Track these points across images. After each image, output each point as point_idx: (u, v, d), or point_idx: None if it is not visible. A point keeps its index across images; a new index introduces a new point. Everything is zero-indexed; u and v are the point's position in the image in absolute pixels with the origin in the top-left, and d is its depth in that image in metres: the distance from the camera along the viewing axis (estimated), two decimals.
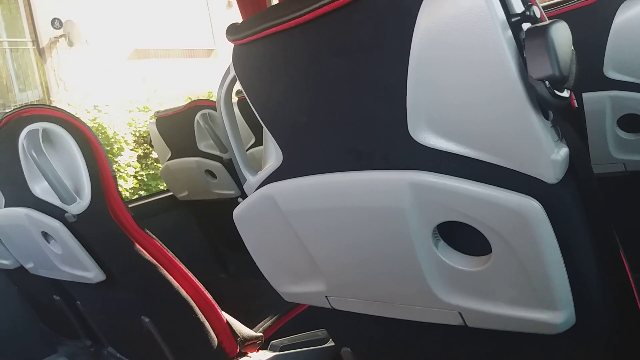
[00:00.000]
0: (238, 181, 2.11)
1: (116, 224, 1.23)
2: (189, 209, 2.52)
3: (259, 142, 2.19)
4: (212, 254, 2.60)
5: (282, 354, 1.46)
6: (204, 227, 2.57)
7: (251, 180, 0.89)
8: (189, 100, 2.84)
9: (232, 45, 0.82)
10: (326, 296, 0.88)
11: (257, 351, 1.46)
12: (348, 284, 0.84)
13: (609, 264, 0.65)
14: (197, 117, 2.14)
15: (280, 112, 0.79)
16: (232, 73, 0.83)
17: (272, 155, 0.84)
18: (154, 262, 1.27)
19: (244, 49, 0.79)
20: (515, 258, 0.63)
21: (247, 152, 2.03)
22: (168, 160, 2.35)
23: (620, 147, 1.32)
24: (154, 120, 2.36)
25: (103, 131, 4.29)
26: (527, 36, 0.56)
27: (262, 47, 0.76)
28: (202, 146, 2.21)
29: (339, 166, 0.73)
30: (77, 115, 1.24)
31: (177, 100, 5.18)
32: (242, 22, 0.80)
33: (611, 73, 1.28)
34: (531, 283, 0.64)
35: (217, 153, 2.16)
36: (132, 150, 4.33)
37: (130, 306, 1.35)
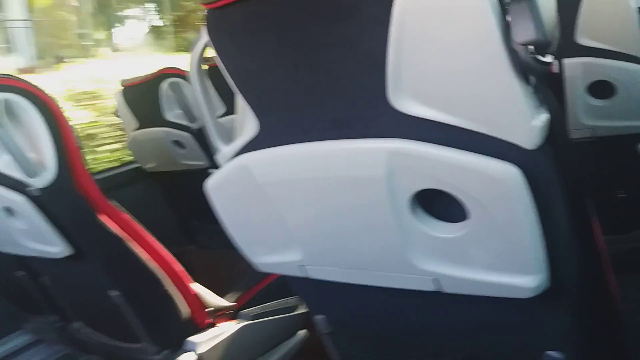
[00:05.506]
0: (207, 152, 2.08)
1: (83, 197, 1.21)
2: (156, 180, 2.47)
3: (228, 112, 2.15)
4: (180, 226, 2.57)
5: (253, 323, 1.47)
6: (172, 198, 2.54)
7: (225, 150, 0.87)
8: None
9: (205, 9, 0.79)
10: (302, 265, 0.88)
11: (229, 321, 1.46)
12: (324, 252, 0.83)
13: (582, 230, 0.67)
14: (165, 85, 2.09)
15: (257, 79, 0.77)
16: (205, 38, 0.80)
17: (247, 124, 0.82)
18: (123, 235, 1.25)
19: (218, 13, 0.76)
20: (492, 224, 0.64)
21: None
22: (135, 130, 2.29)
23: (590, 113, 1.35)
24: (120, 89, 2.29)
25: None
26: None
27: (238, 11, 0.73)
28: (169, 116, 2.16)
29: (319, 135, 0.72)
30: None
31: None
32: None
33: (583, 40, 1.29)
34: (507, 248, 0.65)
35: (186, 123, 2.12)
36: None
37: (98, 280, 1.33)
